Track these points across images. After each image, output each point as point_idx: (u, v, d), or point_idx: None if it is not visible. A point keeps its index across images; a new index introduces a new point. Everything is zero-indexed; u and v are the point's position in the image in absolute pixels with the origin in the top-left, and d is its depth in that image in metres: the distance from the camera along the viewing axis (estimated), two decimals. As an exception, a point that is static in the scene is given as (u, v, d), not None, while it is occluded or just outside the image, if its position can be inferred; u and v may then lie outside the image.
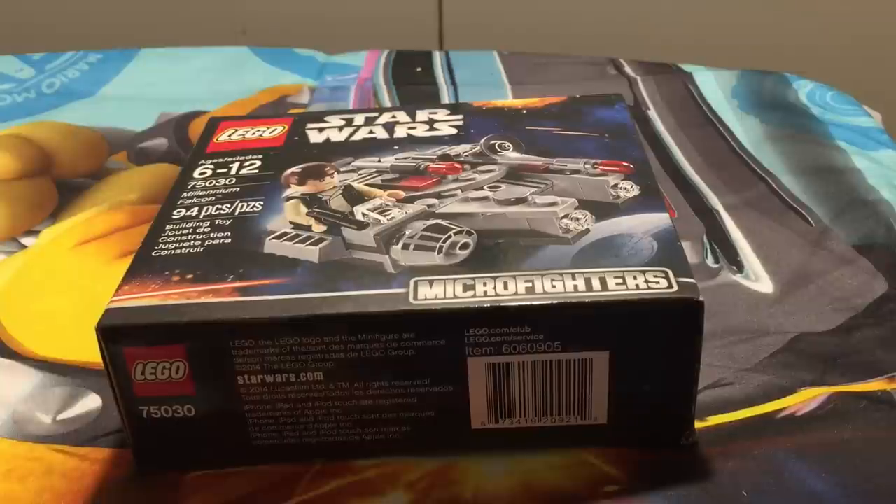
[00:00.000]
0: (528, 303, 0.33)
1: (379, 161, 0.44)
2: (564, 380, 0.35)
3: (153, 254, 0.38)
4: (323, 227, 0.39)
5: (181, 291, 0.35)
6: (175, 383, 0.34)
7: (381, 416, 0.36)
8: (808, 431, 0.37)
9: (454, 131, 0.46)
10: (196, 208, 0.41)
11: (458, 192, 0.41)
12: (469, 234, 0.37)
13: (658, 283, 0.34)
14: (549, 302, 0.33)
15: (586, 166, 0.42)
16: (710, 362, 0.41)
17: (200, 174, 0.44)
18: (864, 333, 0.43)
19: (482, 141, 0.45)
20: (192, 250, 0.38)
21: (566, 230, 0.37)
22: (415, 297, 0.34)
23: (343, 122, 0.48)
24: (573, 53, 0.81)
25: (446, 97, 0.72)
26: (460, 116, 0.48)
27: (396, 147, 0.45)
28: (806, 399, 0.39)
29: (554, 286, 0.34)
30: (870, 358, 0.41)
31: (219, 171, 0.44)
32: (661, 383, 0.35)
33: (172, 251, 0.38)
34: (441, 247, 0.37)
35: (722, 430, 0.37)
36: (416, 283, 0.35)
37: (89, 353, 0.44)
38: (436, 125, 0.47)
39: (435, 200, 0.40)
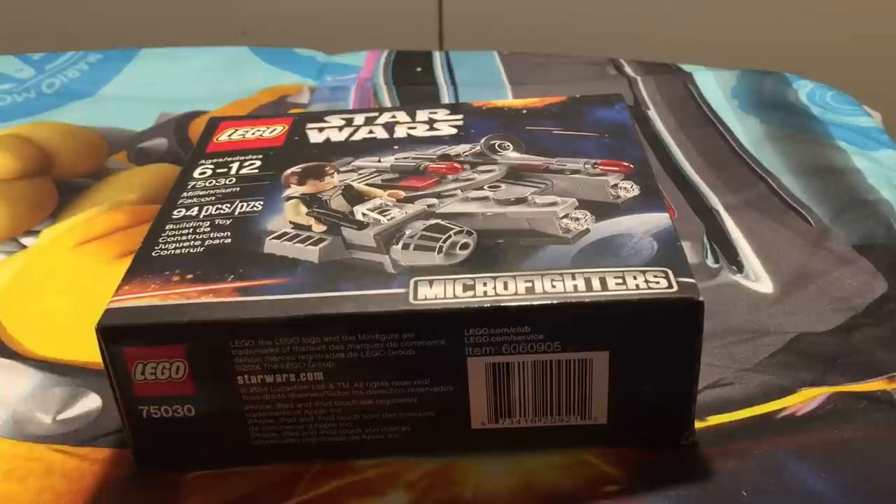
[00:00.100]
0: (528, 303, 0.33)
1: (379, 161, 0.44)
2: (564, 380, 0.35)
3: (153, 254, 0.38)
4: (323, 227, 0.39)
5: (181, 291, 0.35)
6: (175, 383, 0.34)
7: (381, 416, 0.36)
8: (808, 431, 0.37)
9: (454, 131, 0.46)
10: (196, 208, 0.41)
11: (458, 192, 0.41)
12: (469, 234, 0.37)
13: (658, 283, 0.34)
14: (549, 302, 0.33)
15: (586, 166, 0.42)
16: (710, 362, 0.41)
17: (200, 174, 0.44)
18: (864, 333, 0.43)
19: (482, 141, 0.45)
20: (192, 250, 0.38)
21: (566, 230, 0.37)
22: (415, 297, 0.34)
23: (343, 122, 0.48)
24: (573, 53, 0.81)
25: (446, 97, 0.72)
26: (460, 116, 0.48)
27: (396, 147, 0.45)
28: (806, 399, 0.39)
29: (554, 286, 0.34)
30: (870, 358, 0.41)
31: (219, 171, 0.44)
32: (661, 383, 0.35)
33: (172, 251, 0.38)
34: (441, 247, 0.37)
35: (722, 430, 0.37)
36: (416, 283, 0.35)
37: (89, 353, 0.44)
38: (436, 125, 0.47)
39: (435, 200, 0.40)
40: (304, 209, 0.40)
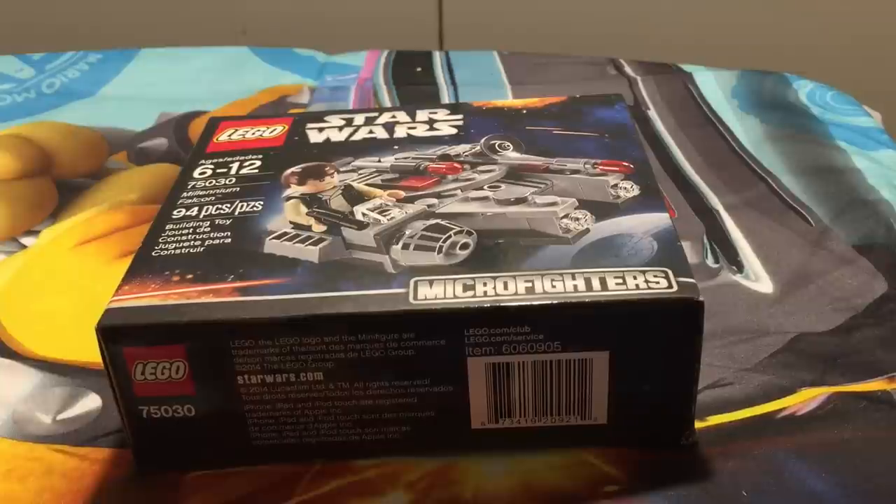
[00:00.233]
0: (528, 303, 0.33)
1: (379, 161, 0.44)
2: (564, 380, 0.35)
3: (153, 254, 0.38)
4: (323, 227, 0.39)
5: (181, 291, 0.35)
6: (175, 383, 0.34)
7: (381, 416, 0.36)
8: (808, 431, 0.37)
9: (454, 131, 0.46)
10: (196, 208, 0.41)
11: (458, 192, 0.41)
12: (469, 234, 0.37)
13: (658, 283, 0.34)
14: (549, 302, 0.33)
15: (586, 166, 0.42)
16: (710, 362, 0.41)
17: (200, 174, 0.44)
18: (864, 333, 0.43)
19: (482, 141, 0.45)
20: (192, 250, 0.38)
21: (566, 230, 0.37)
22: (415, 297, 0.34)
23: (343, 122, 0.48)
24: (573, 53, 0.81)
25: (446, 97, 0.72)
26: (460, 116, 0.48)
27: (396, 147, 0.45)
28: (806, 399, 0.39)
29: (554, 286, 0.34)
30: (870, 358, 0.41)
31: (219, 171, 0.44)
32: (661, 383, 0.35)
33: (172, 251, 0.38)
34: (441, 247, 0.37)
35: (722, 430, 0.37)
36: (416, 283, 0.35)
37: (89, 353, 0.44)
38: (436, 125, 0.47)
39: (435, 200, 0.40)
40: (304, 209, 0.40)
